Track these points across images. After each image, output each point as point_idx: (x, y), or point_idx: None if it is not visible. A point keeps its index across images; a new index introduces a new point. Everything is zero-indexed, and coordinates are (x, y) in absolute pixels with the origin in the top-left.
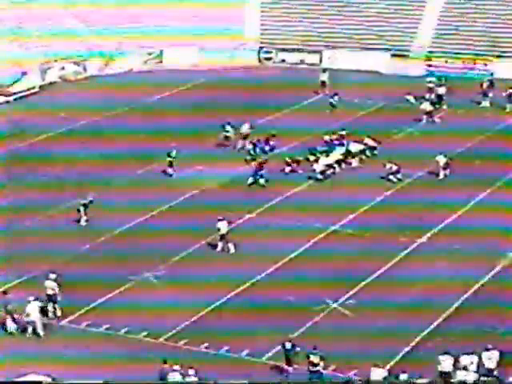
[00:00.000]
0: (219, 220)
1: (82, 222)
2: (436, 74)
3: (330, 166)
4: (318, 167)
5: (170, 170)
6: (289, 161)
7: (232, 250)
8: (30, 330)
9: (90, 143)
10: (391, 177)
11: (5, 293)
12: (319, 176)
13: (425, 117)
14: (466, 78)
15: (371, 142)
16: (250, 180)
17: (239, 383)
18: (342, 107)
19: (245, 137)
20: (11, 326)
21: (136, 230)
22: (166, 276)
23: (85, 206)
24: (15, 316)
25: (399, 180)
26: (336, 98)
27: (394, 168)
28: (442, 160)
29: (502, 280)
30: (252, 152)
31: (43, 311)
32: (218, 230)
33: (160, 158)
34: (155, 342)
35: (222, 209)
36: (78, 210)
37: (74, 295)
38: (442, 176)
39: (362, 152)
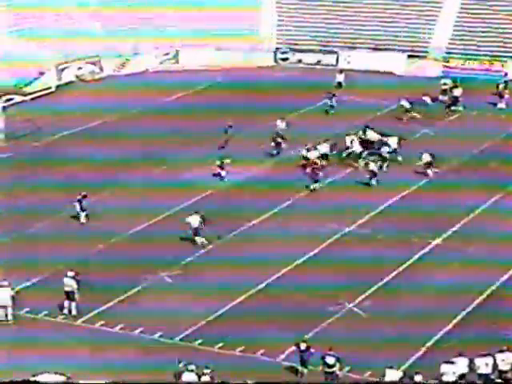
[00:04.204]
0: (190, 215)
1: (82, 219)
2: (451, 75)
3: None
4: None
5: (223, 173)
6: (316, 161)
7: (205, 243)
8: (2, 314)
9: (106, 143)
10: (428, 170)
11: None
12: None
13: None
14: (482, 79)
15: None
16: (314, 186)
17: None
18: (356, 109)
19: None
20: None
21: (150, 231)
22: (180, 277)
23: (79, 201)
24: None
25: (435, 173)
26: (334, 99)
27: (429, 159)
28: (426, 158)
29: None
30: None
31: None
32: (190, 224)
33: (174, 160)
34: (170, 343)
35: (235, 210)
36: (75, 207)
37: (89, 295)
38: (430, 174)
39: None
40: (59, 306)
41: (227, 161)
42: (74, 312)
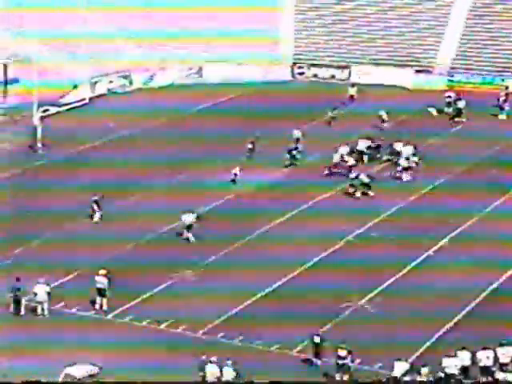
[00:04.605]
0: (184, 213)
1: (96, 219)
2: (455, 87)
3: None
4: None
5: (237, 178)
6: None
7: (192, 239)
8: (39, 309)
9: (135, 150)
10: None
11: (18, 279)
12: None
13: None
14: (484, 92)
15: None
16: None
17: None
18: (365, 119)
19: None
20: (18, 308)
21: (176, 232)
22: (204, 274)
23: (96, 202)
24: (24, 300)
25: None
26: (336, 111)
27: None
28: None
29: None
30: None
31: (49, 294)
32: (183, 221)
33: (198, 165)
34: (194, 335)
35: (255, 213)
36: (91, 207)
37: (119, 291)
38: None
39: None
40: (91, 301)
41: (239, 168)
42: (104, 307)
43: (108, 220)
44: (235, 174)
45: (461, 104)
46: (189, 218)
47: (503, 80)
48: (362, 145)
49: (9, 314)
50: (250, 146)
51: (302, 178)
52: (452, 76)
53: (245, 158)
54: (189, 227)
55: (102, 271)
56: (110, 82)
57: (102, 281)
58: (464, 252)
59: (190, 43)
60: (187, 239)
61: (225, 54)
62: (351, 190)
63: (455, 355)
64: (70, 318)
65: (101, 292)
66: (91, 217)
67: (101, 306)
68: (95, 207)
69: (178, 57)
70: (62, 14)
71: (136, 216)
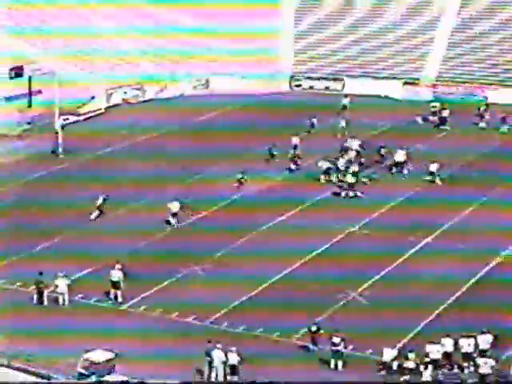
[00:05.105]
0: (171, 201)
1: (93, 216)
2: (440, 99)
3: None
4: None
5: (292, 166)
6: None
7: (177, 225)
8: (60, 300)
9: (147, 157)
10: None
11: (40, 273)
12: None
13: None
14: (466, 102)
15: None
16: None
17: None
18: (357, 127)
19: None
20: (41, 299)
21: (185, 229)
22: (211, 268)
23: (105, 200)
24: (47, 291)
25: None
26: (315, 119)
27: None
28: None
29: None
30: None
31: (69, 286)
32: (169, 209)
33: (208, 165)
34: (201, 324)
35: (260, 210)
36: (97, 202)
37: (134, 284)
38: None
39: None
40: (106, 293)
41: (245, 177)
42: (119, 299)
43: (123, 217)
44: (241, 178)
45: (445, 113)
46: (174, 206)
47: (483, 93)
48: (355, 144)
49: (33, 304)
50: (270, 150)
51: (303, 180)
52: (437, 88)
53: (265, 160)
54: (174, 214)
55: (118, 265)
56: (125, 93)
57: (117, 274)
58: (449, 245)
59: (199, 59)
60: (169, 223)
61: (230, 68)
62: (339, 190)
63: (439, 342)
64: (88, 307)
65: (115, 285)
66: (92, 213)
67: (116, 297)
68: (100, 201)
69: (188, 70)
70: (81, 30)
71: (149, 215)
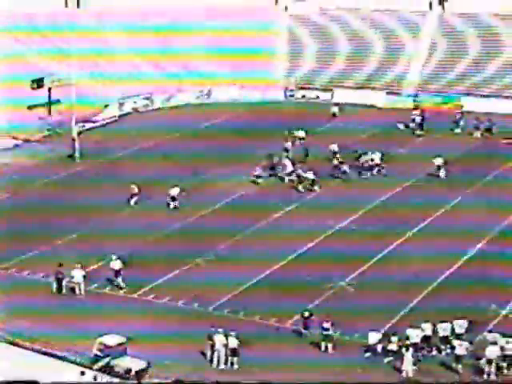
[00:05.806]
0: (172, 187)
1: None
2: (418, 105)
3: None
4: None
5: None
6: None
7: (175, 205)
8: (77, 290)
9: (156, 159)
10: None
11: (60, 265)
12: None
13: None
14: (443, 110)
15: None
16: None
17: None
18: (345, 134)
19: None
20: (60, 288)
21: (190, 226)
22: (213, 260)
23: (173, 198)
24: (65, 281)
25: (446, 176)
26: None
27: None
28: (438, 161)
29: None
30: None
31: (85, 277)
32: (169, 194)
33: (213, 168)
34: (205, 311)
35: (261, 207)
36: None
37: (143, 274)
38: (442, 175)
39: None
40: (108, 279)
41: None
42: (122, 284)
43: (133, 216)
44: (257, 176)
45: (424, 120)
46: (174, 191)
47: (459, 99)
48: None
49: (52, 293)
50: (287, 145)
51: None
52: (416, 96)
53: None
54: (173, 198)
55: (114, 256)
56: (135, 102)
57: (117, 263)
58: (427, 242)
59: (201, 70)
60: (169, 205)
61: (230, 78)
62: (296, 183)
63: (419, 327)
64: (102, 296)
65: (116, 274)
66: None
67: (118, 286)
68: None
69: (191, 80)
70: (98, 50)
71: (158, 213)
